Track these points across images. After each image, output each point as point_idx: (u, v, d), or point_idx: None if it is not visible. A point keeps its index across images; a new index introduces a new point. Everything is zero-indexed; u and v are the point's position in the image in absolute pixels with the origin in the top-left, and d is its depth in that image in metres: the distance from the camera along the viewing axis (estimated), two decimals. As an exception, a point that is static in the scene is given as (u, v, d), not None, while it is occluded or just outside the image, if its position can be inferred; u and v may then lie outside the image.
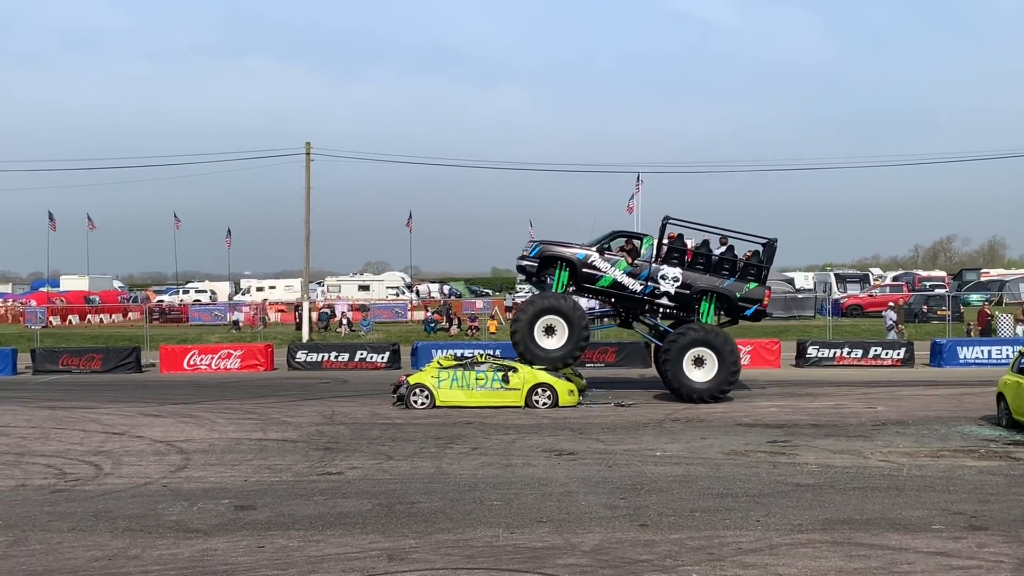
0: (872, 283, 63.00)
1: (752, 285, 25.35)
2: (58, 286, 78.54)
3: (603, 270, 25.33)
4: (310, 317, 47.19)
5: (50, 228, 76.88)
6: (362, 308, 54.98)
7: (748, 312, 25.50)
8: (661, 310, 26.14)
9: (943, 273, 77.66)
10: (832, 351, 34.08)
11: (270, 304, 61.97)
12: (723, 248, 25.85)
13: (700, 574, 9.89)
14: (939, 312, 47.44)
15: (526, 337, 24.78)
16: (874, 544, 10.92)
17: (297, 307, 51.55)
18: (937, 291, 55.98)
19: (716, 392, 24.60)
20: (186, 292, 77.22)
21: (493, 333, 42.69)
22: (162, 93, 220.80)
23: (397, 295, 69.37)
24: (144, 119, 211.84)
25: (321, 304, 58.14)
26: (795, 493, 13.68)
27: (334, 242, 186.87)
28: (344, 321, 50.28)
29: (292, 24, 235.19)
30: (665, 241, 25.35)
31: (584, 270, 25.37)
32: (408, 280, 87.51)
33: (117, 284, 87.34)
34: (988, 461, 16.19)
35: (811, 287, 65.76)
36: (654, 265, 25.24)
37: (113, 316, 64.11)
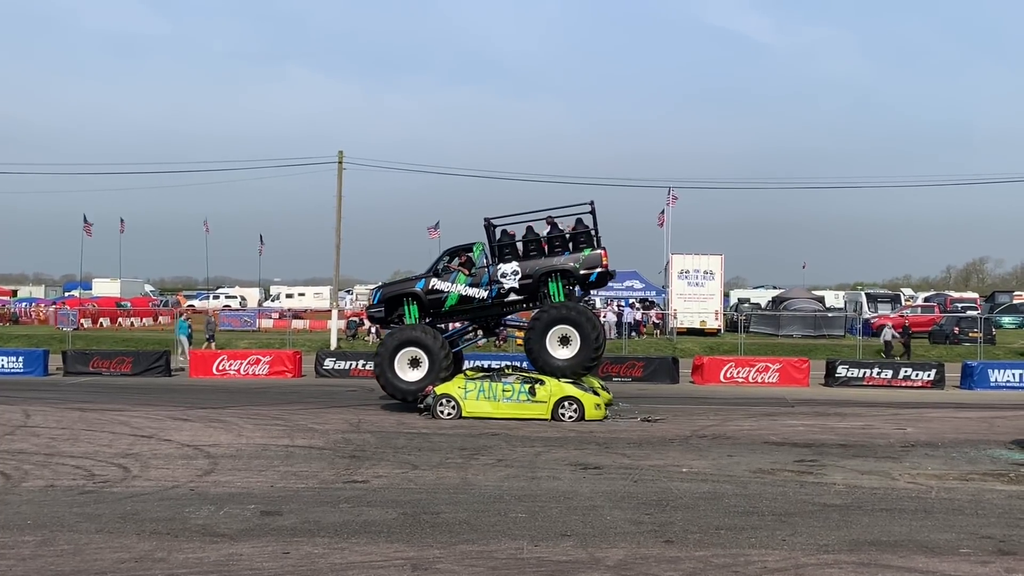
0: (903, 303, 62.51)
1: (587, 252, 25.38)
2: (90, 288, 79.37)
3: (445, 290, 25.47)
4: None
5: (85, 232, 77.55)
6: None
7: (592, 278, 25.49)
8: (515, 307, 26.21)
9: (975, 295, 76.97)
10: (862, 371, 33.78)
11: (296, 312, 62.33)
12: (548, 228, 25.88)
13: (725, 592, 9.84)
14: (971, 334, 46.99)
15: (387, 370, 25.03)
16: (901, 566, 10.82)
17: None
18: (969, 313, 55.46)
19: (579, 369, 24.70)
20: (216, 297, 77.82)
21: (520, 345, 42.55)
22: (198, 99, 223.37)
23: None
24: (179, 124, 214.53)
25: (350, 312, 58.40)
26: (822, 513, 13.59)
27: (364, 250, 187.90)
28: (373, 329, 50.51)
29: (329, 33, 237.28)
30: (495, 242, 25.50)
31: (429, 297, 25.55)
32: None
33: (148, 288, 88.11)
34: (1018, 485, 16.00)
35: (841, 306, 65.30)
36: (491, 268, 25.38)
37: (144, 320, 64.68)
